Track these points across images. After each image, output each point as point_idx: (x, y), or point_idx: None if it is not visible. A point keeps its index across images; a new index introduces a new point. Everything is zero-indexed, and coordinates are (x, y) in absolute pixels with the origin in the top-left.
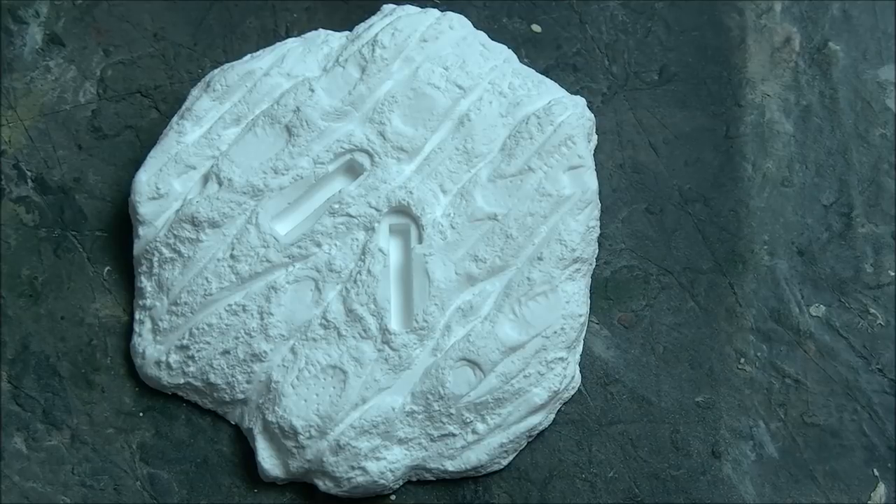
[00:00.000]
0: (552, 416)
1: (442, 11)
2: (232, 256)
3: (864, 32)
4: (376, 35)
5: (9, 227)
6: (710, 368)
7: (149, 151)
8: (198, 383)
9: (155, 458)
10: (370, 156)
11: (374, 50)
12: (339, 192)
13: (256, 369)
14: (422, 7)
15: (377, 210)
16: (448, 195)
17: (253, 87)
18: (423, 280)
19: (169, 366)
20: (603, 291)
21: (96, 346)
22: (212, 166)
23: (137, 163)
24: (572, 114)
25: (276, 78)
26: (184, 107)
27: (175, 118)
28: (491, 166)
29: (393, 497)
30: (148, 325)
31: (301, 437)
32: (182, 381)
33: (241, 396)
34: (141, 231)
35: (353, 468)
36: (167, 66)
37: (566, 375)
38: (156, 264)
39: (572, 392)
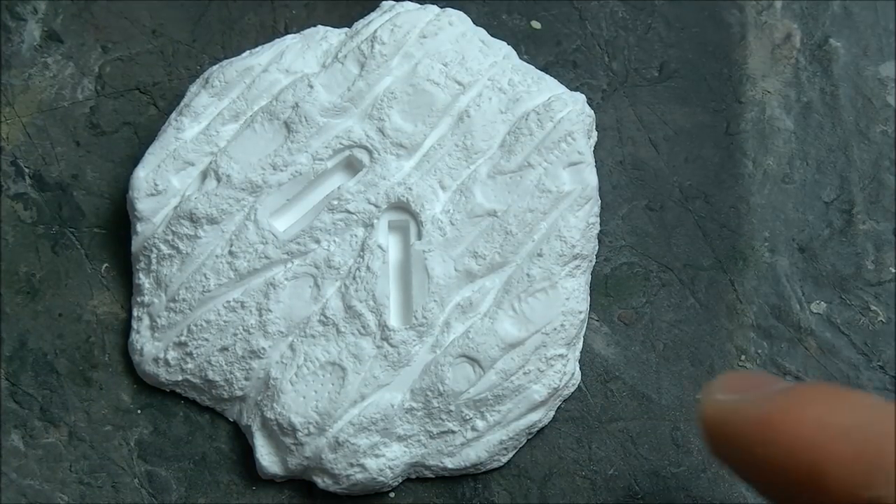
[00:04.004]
0: (552, 414)
1: (441, 8)
2: (230, 253)
3: (865, 29)
4: (375, 31)
5: (6, 223)
6: (711, 365)
7: (147, 148)
8: (196, 380)
9: (153, 456)
10: (369, 152)
11: (373, 46)
12: (338, 188)
13: (255, 366)
14: (421, 3)
15: (376, 206)
16: (447, 191)
17: (251, 84)
18: (423, 276)
19: (167, 363)
20: (603, 288)
21: (94, 343)
22: (210, 162)
23: (135, 159)
24: (572, 110)
25: (275, 74)
26: (182, 103)
27: (173, 115)
28: (490, 162)
29: (392, 494)
30: (146, 321)
31: (300, 433)
32: (180, 377)
33: (239, 393)
34: (139, 228)
35: (351, 465)
36: (165, 62)
37: (566, 372)
38: (154, 261)
39: (572, 389)
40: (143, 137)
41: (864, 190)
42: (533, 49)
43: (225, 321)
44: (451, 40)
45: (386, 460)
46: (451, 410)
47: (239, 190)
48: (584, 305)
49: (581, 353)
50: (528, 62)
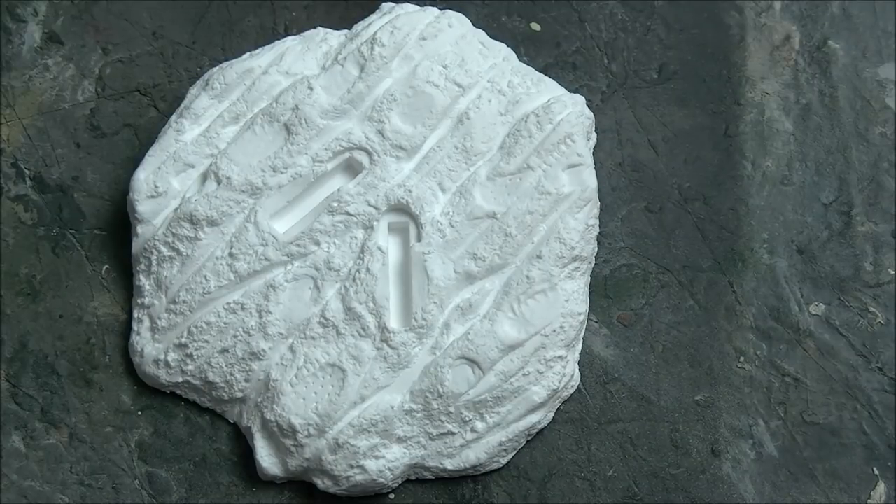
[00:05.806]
0: (551, 415)
1: (441, 9)
2: (231, 255)
3: (864, 31)
4: (375, 33)
5: (7, 225)
6: (710, 367)
7: (147, 150)
8: (196, 382)
9: (153, 457)
10: (369, 154)
11: (372, 48)
12: (338, 190)
13: (255, 368)
14: (421, 5)
15: (376, 208)
16: (447, 193)
17: (252, 86)
18: (422, 278)
19: (167, 364)
20: (602, 290)
21: (95, 344)
22: (210, 164)
23: (136, 161)
24: (571, 112)
25: (275, 76)
26: (182, 105)
27: (174, 116)
28: (490, 164)
29: (392, 496)
30: (146, 323)
31: (300, 435)
32: (180, 379)
33: (239, 395)
34: (139, 229)
35: (351, 467)
36: (166, 64)
37: (565, 374)
38: (154, 263)
39: (571, 391)
40: (144, 139)
41: (862, 192)
42: (532, 51)
43: (225, 323)
44: (451, 42)
45: (386, 462)
46: (451, 412)
47: (239, 192)
48: (584, 307)
49: (580, 354)
50: (527, 64)
